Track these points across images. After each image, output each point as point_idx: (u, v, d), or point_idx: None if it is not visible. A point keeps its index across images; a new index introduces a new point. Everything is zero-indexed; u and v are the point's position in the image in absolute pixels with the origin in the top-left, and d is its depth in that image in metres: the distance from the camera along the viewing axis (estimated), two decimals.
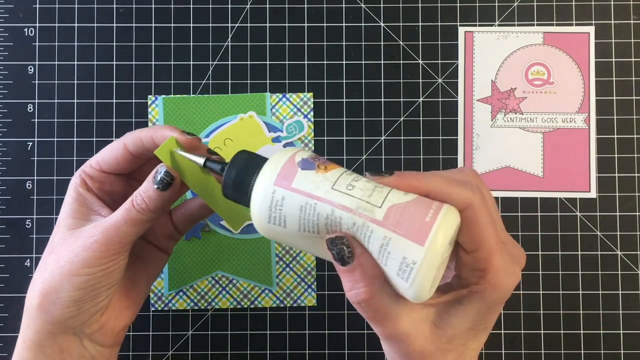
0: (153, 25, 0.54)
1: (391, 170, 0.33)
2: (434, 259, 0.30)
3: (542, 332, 0.52)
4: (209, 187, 0.41)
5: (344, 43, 0.54)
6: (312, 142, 0.53)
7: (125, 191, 0.43)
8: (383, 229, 0.31)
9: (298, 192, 0.32)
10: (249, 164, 0.35)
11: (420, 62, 0.54)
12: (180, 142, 0.39)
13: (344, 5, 0.54)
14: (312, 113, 0.53)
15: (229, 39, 0.54)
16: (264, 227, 0.34)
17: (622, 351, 0.52)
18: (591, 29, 0.54)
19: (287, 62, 0.54)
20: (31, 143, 0.53)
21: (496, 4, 0.54)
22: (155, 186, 0.38)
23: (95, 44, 0.54)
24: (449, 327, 0.34)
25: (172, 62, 0.54)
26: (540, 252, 0.53)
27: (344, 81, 0.54)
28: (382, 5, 0.54)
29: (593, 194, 0.53)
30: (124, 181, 0.43)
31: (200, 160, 0.38)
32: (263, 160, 0.35)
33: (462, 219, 0.32)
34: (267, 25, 0.54)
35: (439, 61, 0.54)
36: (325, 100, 0.54)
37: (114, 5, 0.54)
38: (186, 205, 0.44)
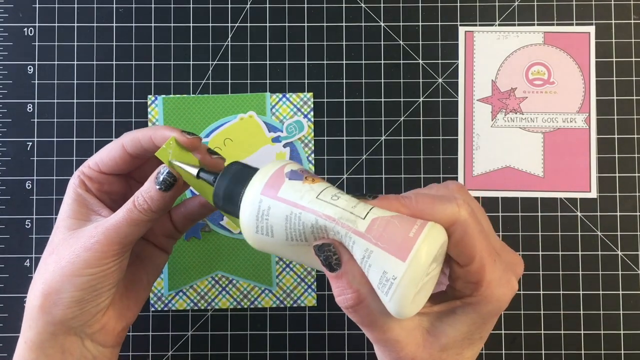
0: (153, 25, 0.54)
1: (375, 194, 0.33)
2: (415, 276, 0.30)
3: (542, 332, 0.52)
4: (210, 186, 0.41)
5: (344, 43, 0.54)
6: (312, 142, 0.53)
7: (125, 191, 0.43)
8: (365, 241, 0.31)
9: (283, 202, 0.32)
10: (239, 175, 0.35)
11: (420, 62, 0.54)
12: (181, 142, 0.39)
13: (344, 5, 0.54)
14: (312, 113, 0.53)
15: (229, 38, 0.54)
16: (253, 238, 0.34)
17: (622, 351, 0.52)
18: (592, 29, 0.54)
19: (287, 62, 0.54)
20: (31, 143, 0.53)
21: (496, 3, 0.54)
22: (158, 187, 0.38)
23: (95, 44, 0.54)
24: (442, 336, 0.34)
25: (172, 62, 0.54)
26: (540, 252, 0.53)
27: (344, 81, 0.54)
28: (382, 5, 0.54)
29: (593, 194, 0.53)
30: (123, 181, 0.43)
31: (194, 171, 0.38)
32: (254, 171, 0.35)
33: (450, 234, 0.32)
34: (267, 25, 0.54)
35: (439, 61, 0.54)
36: (325, 100, 0.54)
37: (114, 5, 0.54)
38: (186, 204, 0.44)
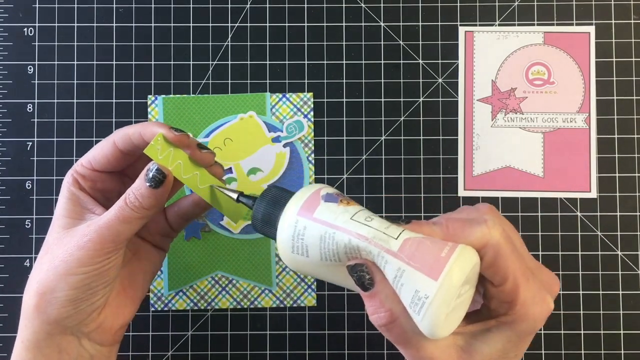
0: (153, 25, 0.54)
1: (407, 219, 0.34)
2: (447, 295, 0.30)
3: (542, 332, 0.52)
4: (202, 181, 0.41)
5: (344, 43, 0.54)
6: (312, 142, 0.53)
7: (119, 189, 0.43)
8: (397, 260, 0.32)
9: (319, 222, 0.34)
10: (277, 198, 0.36)
11: (420, 62, 0.54)
12: (168, 139, 0.39)
13: (344, 5, 0.54)
14: (312, 113, 0.53)
15: (229, 38, 0.54)
16: (289, 257, 0.35)
17: (622, 351, 0.52)
18: (592, 29, 0.54)
19: (287, 62, 0.54)
20: (31, 143, 0.53)
21: (496, 3, 0.54)
22: (148, 184, 0.38)
23: (95, 44, 0.54)
24: (477, 354, 0.34)
25: (172, 62, 0.54)
26: (540, 252, 0.53)
27: (344, 81, 0.54)
28: (382, 5, 0.54)
29: (593, 194, 0.53)
30: (116, 179, 0.43)
31: (234, 195, 0.40)
32: (290, 194, 0.36)
33: (482, 256, 0.32)
34: (267, 25, 0.54)
35: (439, 61, 0.54)
36: (325, 100, 0.54)
37: (114, 5, 0.54)
38: (179, 203, 0.45)
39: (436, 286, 0.30)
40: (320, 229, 0.33)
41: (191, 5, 0.54)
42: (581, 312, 0.52)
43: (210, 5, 0.54)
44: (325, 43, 0.54)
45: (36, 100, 0.53)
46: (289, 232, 0.34)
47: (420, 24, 0.54)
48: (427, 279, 0.30)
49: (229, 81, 0.54)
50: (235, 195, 0.40)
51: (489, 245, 0.32)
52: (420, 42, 0.54)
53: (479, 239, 0.32)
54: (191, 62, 0.54)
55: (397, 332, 0.33)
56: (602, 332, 0.52)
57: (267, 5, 0.54)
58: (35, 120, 0.53)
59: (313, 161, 0.53)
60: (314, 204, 0.34)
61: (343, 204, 0.34)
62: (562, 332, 0.52)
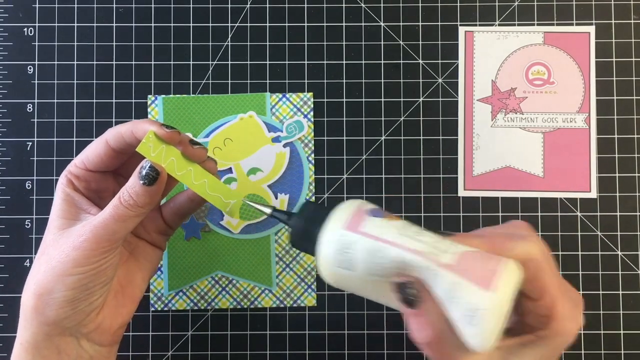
0: (153, 25, 0.54)
1: (451, 232, 0.35)
2: (500, 306, 0.31)
3: None
4: (196, 177, 0.41)
5: (344, 43, 0.54)
6: (312, 142, 0.53)
7: (113, 188, 0.43)
8: (450, 273, 0.32)
9: (367, 236, 0.34)
10: (316, 214, 0.37)
11: (420, 62, 0.54)
12: (159, 136, 0.39)
13: (344, 5, 0.54)
14: (312, 113, 0.53)
15: (229, 38, 0.54)
16: (332, 272, 0.35)
17: (622, 351, 0.52)
18: (591, 29, 0.54)
19: (287, 62, 0.54)
20: (30, 143, 0.53)
21: (496, 3, 0.54)
22: (141, 181, 0.38)
23: (94, 43, 0.54)
24: None
25: (172, 62, 0.54)
26: None
27: (344, 81, 0.54)
28: (382, 5, 0.54)
29: (593, 194, 0.53)
30: (110, 178, 0.43)
31: (268, 210, 0.40)
32: (328, 210, 0.36)
33: (525, 270, 0.33)
34: (267, 25, 0.54)
35: (439, 61, 0.54)
36: (325, 100, 0.54)
37: (114, 5, 0.54)
38: (175, 199, 0.45)
39: (491, 298, 0.31)
40: (369, 243, 0.34)
41: (191, 5, 0.54)
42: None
43: (210, 5, 0.54)
44: (325, 43, 0.54)
45: (36, 100, 0.53)
46: (334, 247, 0.34)
47: (420, 24, 0.54)
48: (480, 291, 0.31)
49: (229, 81, 0.54)
50: (269, 211, 0.40)
51: (532, 260, 0.33)
52: (420, 42, 0.54)
53: (522, 253, 0.33)
54: (191, 62, 0.54)
55: (438, 348, 0.33)
56: (602, 332, 0.52)
57: (267, 5, 0.54)
58: (35, 120, 0.53)
59: (313, 161, 0.53)
60: (360, 219, 0.35)
61: (388, 219, 0.35)
62: None
